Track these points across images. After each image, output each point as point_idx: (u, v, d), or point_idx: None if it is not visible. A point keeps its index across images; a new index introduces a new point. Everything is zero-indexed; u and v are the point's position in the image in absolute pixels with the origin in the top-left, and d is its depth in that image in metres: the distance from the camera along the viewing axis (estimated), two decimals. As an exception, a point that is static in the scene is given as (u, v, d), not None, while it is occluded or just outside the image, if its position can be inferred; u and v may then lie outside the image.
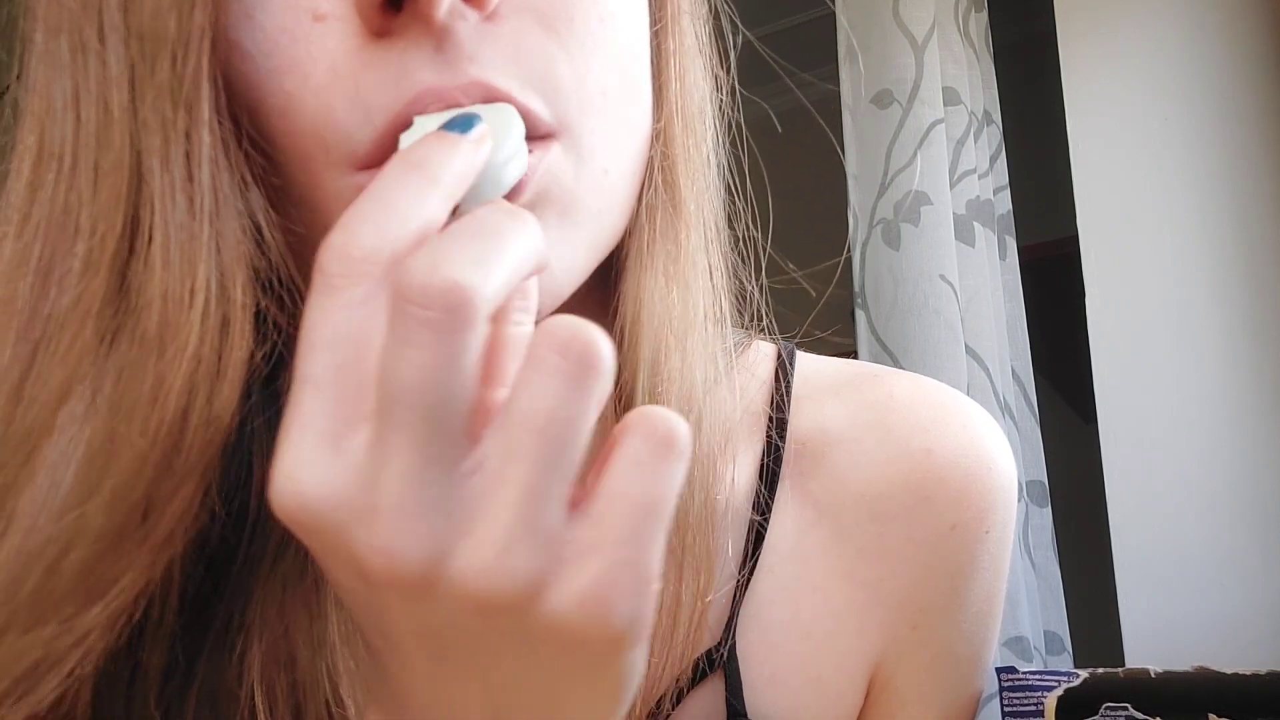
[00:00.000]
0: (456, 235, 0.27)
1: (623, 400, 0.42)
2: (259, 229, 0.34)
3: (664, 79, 0.42)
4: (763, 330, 0.50)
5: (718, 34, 0.48)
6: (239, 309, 0.33)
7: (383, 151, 0.33)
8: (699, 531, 0.42)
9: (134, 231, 0.33)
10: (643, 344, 0.41)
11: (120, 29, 0.33)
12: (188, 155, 0.32)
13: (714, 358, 0.44)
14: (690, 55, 0.44)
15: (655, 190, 0.41)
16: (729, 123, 0.47)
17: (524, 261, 0.28)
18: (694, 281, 0.42)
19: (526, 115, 0.34)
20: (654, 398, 0.41)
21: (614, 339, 0.41)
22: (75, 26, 0.34)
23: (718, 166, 0.46)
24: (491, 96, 0.33)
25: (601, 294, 0.43)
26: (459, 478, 0.26)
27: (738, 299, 0.48)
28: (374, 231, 0.27)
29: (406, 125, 0.33)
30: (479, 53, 0.33)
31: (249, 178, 0.34)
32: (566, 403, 0.26)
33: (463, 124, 0.30)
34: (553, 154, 0.35)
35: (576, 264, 0.37)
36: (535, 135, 0.34)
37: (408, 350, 0.25)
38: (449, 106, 0.33)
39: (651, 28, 0.42)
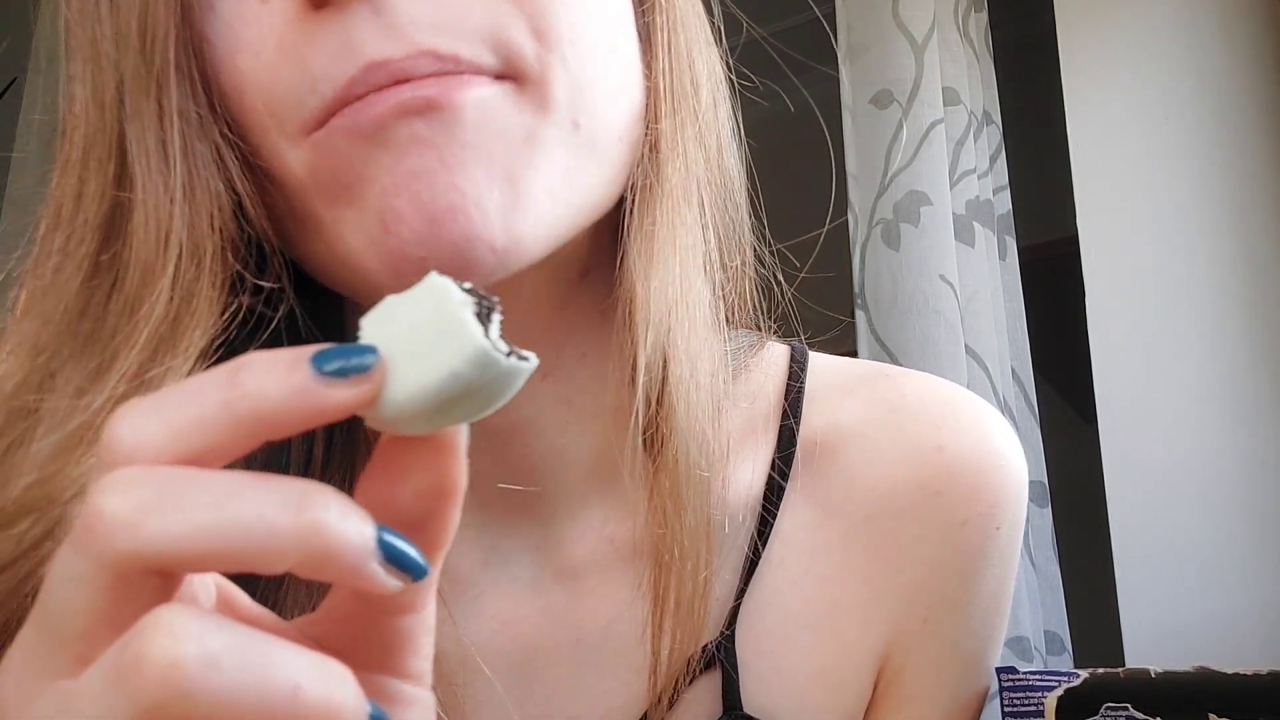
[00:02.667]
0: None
1: (628, 382, 0.42)
2: (240, 205, 0.37)
3: (653, 53, 0.42)
4: (775, 331, 0.51)
5: (708, 13, 0.48)
6: (208, 276, 0.35)
7: (329, 117, 0.34)
8: (698, 520, 0.42)
9: (122, 212, 0.36)
10: (638, 327, 0.41)
11: (109, 35, 0.36)
12: (162, 142, 0.35)
13: (714, 347, 0.44)
14: (679, 32, 0.43)
15: (643, 168, 0.41)
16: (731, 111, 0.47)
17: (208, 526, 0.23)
18: (689, 261, 0.42)
19: (477, 70, 0.34)
20: (657, 380, 0.41)
21: (616, 324, 0.42)
22: (80, 41, 0.38)
23: (718, 149, 0.46)
24: (442, 64, 0.34)
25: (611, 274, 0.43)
26: (47, 690, 0.23)
27: (748, 299, 0.48)
28: (130, 425, 0.24)
29: (355, 98, 0.34)
30: (419, 14, 0.34)
31: (229, 159, 0.36)
32: (94, 703, 0.22)
33: (346, 356, 0.24)
34: (489, 90, 0.35)
35: (538, 220, 0.36)
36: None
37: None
38: (398, 80, 0.33)
39: (642, 4, 0.42)
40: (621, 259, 0.42)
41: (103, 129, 0.37)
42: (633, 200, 0.41)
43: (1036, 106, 1.51)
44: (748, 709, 0.45)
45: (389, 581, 0.24)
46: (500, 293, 0.40)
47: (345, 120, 0.34)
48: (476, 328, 0.24)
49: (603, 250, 0.44)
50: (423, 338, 0.24)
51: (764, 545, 0.46)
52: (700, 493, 0.42)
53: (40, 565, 0.33)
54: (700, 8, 0.46)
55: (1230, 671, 0.48)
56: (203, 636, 0.21)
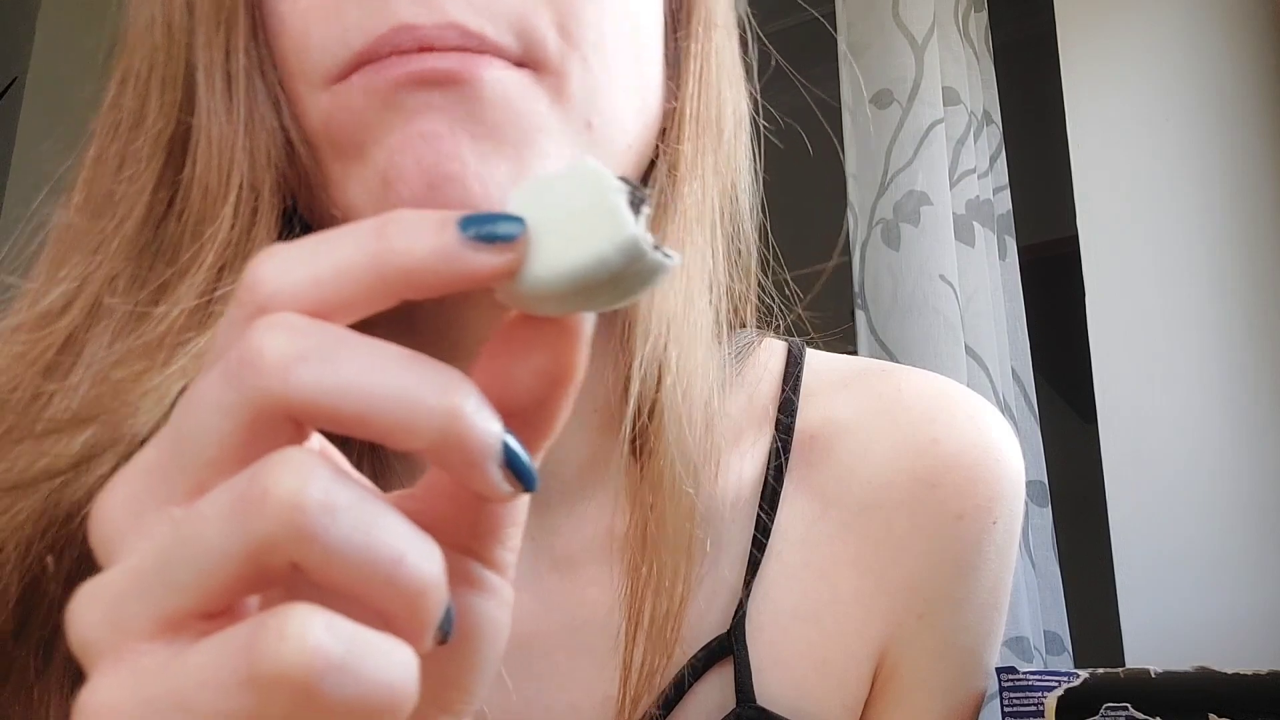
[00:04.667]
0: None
1: (622, 390, 0.42)
2: (290, 144, 0.38)
3: (683, 78, 0.43)
4: (774, 330, 0.51)
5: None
6: (266, 207, 0.37)
7: (353, 70, 0.36)
8: (678, 536, 0.42)
9: (186, 133, 0.38)
10: (636, 339, 0.41)
11: None
12: (228, 74, 0.37)
13: (715, 359, 0.44)
14: (711, 62, 0.44)
15: (659, 188, 0.42)
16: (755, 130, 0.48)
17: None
18: (694, 281, 0.43)
19: (499, 52, 0.35)
20: (650, 394, 0.41)
21: (616, 332, 0.43)
22: None
23: (733, 181, 0.47)
24: (464, 40, 0.34)
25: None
26: (157, 512, 0.23)
27: (741, 299, 0.48)
28: (274, 268, 0.24)
29: (379, 57, 0.35)
30: None
31: (282, 101, 0.38)
32: (211, 527, 0.22)
33: (494, 223, 0.24)
34: (509, 73, 0.36)
35: None
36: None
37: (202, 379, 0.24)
38: (422, 48, 0.34)
39: (677, 32, 0.43)
40: None
41: (170, 52, 0.38)
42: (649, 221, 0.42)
43: (1036, 106, 1.51)
44: (758, 701, 0.45)
45: (501, 485, 0.24)
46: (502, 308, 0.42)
47: (365, 78, 0.35)
48: (630, 215, 0.24)
49: None
50: (572, 218, 0.24)
51: (764, 539, 0.47)
52: (683, 510, 0.42)
53: (90, 482, 0.34)
54: (736, 46, 0.47)
55: (1230, 671, 0.48)
56: (328, 484, 0.22)
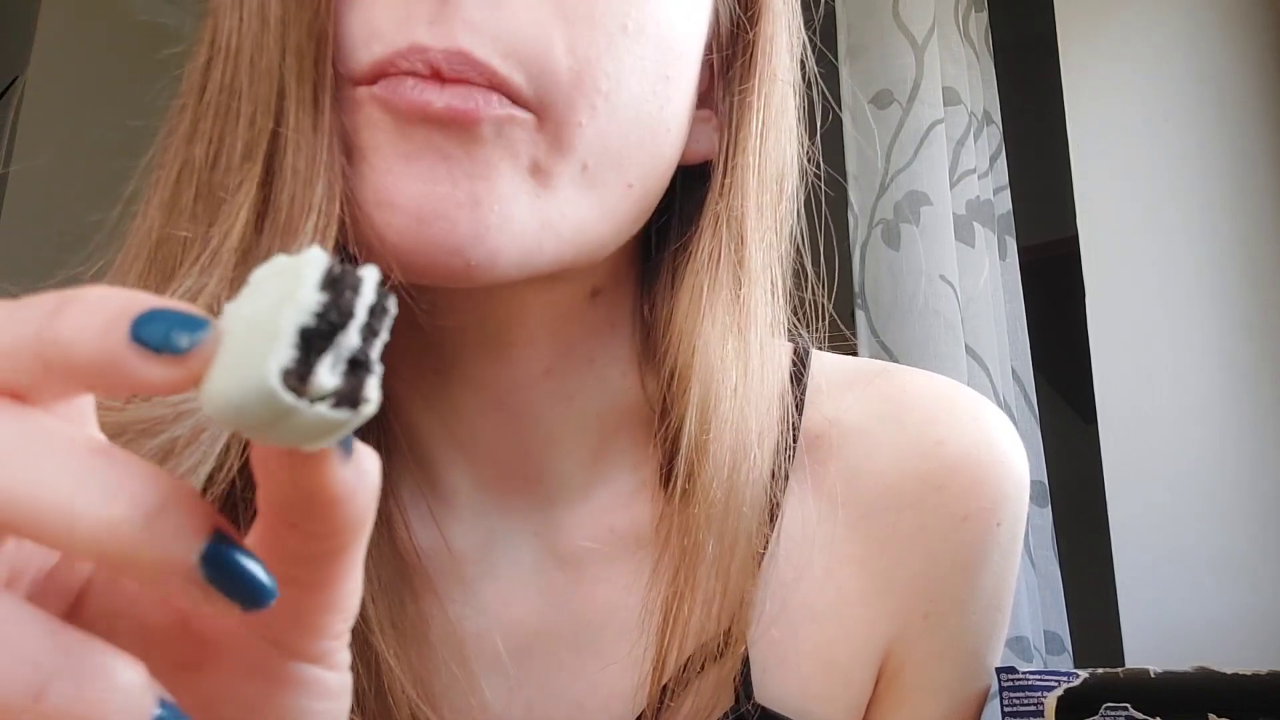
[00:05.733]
0: None
1: (669, 442, 0.43)
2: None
3: (743, 133, 0.43)
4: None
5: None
6: (335, 225, 0.36)
7: (377, 74, 0.36)
8: (709, 582, 0.43)
9: (277, 138, 0.37)
10: (693, 388, 0.42)
11: None
12: (315, 84, 0.36)
13: (765, 406, 0.45)
14: (776, 119, 0.45)
15: (721, 242, 0.43)
16: (805, 179, 0.49)
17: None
18: (752, 334, 0.44)
19: (506, 88, 0.35)
20: (701, 444, 0.42)
21: (663, 378, 0.44)
22: None
23: (790, 229, 0.47)
24: (469, 70, 0.35)
25: (635, 327, 0.46)
26: None
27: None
28: None
29: (395, 72, 0.35)
30: (476, 16, 0.35)
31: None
32: None
33: (170, 329, 0.20)
34: (511, 112, 0.36)
35: (522, 246, 0.36)
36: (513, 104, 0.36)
37: None
38: (432, 68, 0.35)
39: (741, 83, 0.44)
40: (675, 319, 0.43)
41: (263, 41, 0.37)
42: (712, 275, 0.43)
43: (1036, 106, 1.51)
44: (757, 699, 0.45)
45: (205, 605, 0.20)
46: (507, 307, 0.42)
47: (383, 92, 0.36)
48: (284, 353, 0.18)
49: (615, 274, 0.45)
50: (257, 331, 0.19)
51: (771, 539, 0.47)
52: (722, 550, 0.43)
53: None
54: (793, 98, 0.47)
55: (1230, 671, 0.48)
56: None
